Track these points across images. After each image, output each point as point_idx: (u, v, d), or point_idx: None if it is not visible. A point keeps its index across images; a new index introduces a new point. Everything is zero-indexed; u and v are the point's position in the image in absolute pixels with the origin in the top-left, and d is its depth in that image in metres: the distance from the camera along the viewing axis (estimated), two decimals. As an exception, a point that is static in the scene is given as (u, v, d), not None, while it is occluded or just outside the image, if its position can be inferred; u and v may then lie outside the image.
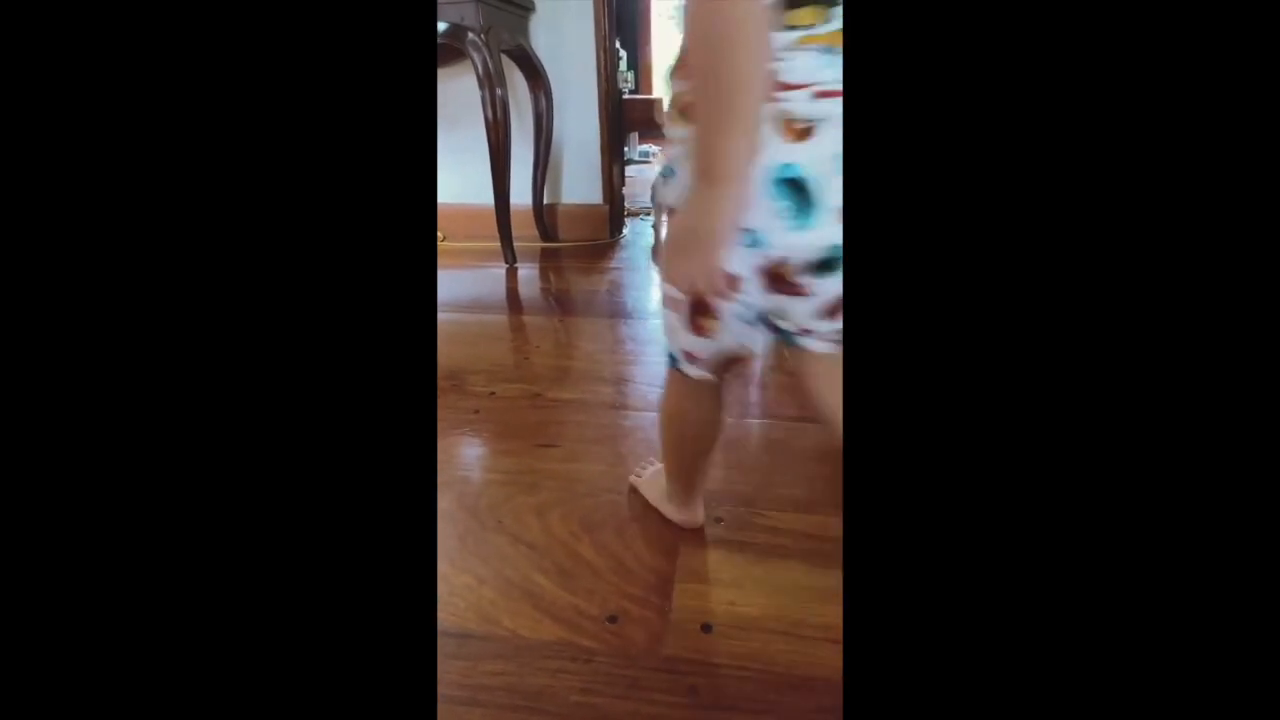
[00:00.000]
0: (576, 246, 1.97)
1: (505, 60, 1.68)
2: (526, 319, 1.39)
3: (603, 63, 1.85)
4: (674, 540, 0.66)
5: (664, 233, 0.45)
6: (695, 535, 0.66)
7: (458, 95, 1.89)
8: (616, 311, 1.40)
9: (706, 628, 0.55)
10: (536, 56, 1.81)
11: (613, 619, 0.56)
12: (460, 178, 1.99)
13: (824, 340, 0.48)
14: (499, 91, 1.55)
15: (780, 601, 0.57)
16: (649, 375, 1.07)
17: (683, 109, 0.43)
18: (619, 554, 0.64)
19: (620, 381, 1.05)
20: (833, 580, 0.59)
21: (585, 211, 2.04)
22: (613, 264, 1.78)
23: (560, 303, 1.49)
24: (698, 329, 0.50)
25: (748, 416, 0.91)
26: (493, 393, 1.01)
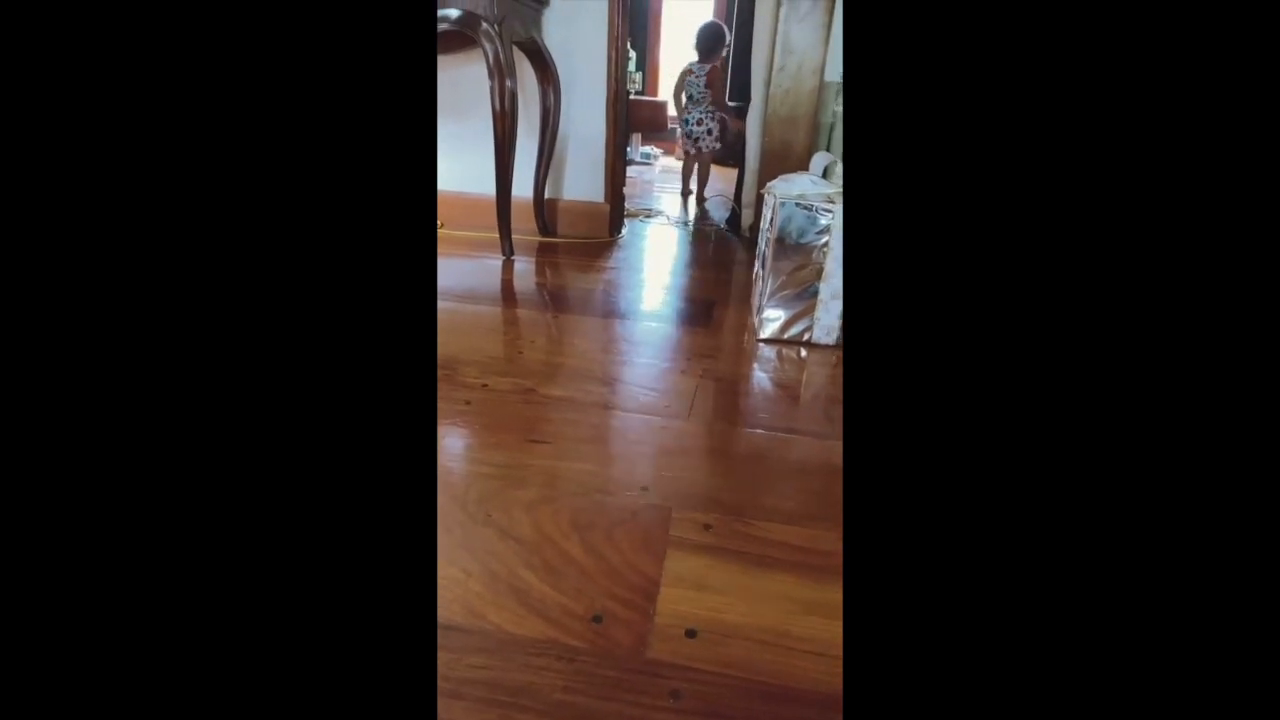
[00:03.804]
0: (574, 243, 1.97)
1: (516, 52, 1.68)
2: (521, 313, 1.39)
3: (614, 61, 1.85)
4: (662, 545, 0.66)
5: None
6: (683, 542, 0.66)
7: (466, 84, 1.88)
8: (611, 311, 1.40)
9: (691, 633, 0.55)
10: (548, 50, 1.80)
11: (598, 619, 0.56)
12: (462, 166, 1.98)
13: (702, 149, 3.05)
14: (508, 83, 1.54)
15: (766, 611, 0.58)
16: (640, 377, 1.07)
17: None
18: (607, 555, 0.64)
19: (612, 382, 1.05)
20: (819, 593, 0.60)
21: (586, 209, 2.03)
22: (610, 263, 1.78)
23: (555, 299, 1.49)
24: (684, 147, 3.11)
25: (741, 426, 0.92)
26: (485, 385, 1.01)
